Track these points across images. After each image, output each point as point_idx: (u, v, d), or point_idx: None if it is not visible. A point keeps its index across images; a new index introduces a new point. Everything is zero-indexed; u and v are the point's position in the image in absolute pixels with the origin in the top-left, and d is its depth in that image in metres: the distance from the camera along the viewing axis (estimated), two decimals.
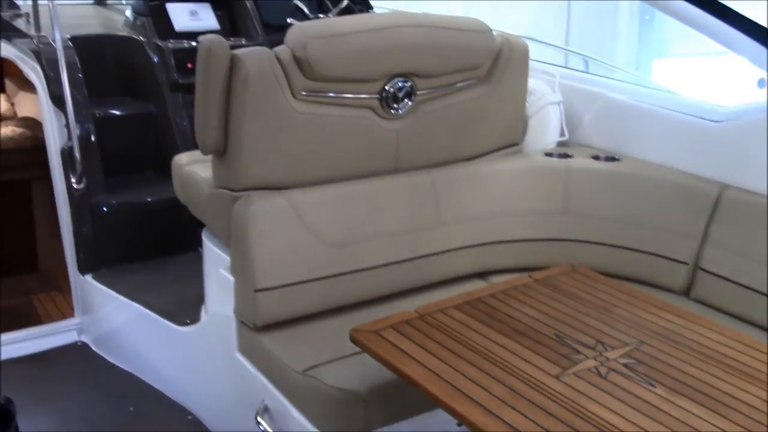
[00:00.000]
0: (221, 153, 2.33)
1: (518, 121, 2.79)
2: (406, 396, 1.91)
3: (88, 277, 3.32)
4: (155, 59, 3.62)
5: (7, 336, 3.26)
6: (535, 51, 2.77)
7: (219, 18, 3.84)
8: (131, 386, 3.09)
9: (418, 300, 2.34)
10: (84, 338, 3.42)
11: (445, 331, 1.84)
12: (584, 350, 1.76)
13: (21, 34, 3.58)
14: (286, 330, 2.31)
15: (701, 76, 6.38)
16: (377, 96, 2.38)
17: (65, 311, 3.54)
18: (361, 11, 4.00)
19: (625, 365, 1.70)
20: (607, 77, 3.15)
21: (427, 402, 1.64)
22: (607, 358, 1.72)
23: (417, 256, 2.50)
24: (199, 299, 2.72)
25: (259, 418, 2.27)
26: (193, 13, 3.79)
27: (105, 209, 3.35)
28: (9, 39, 3.52)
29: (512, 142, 2.79)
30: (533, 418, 1.50)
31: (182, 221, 3.10)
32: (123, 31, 3.84)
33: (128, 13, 3.89)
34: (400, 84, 2.39)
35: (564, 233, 2.66)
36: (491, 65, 2.58)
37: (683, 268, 2.48)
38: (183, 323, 2.84)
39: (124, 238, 3.40)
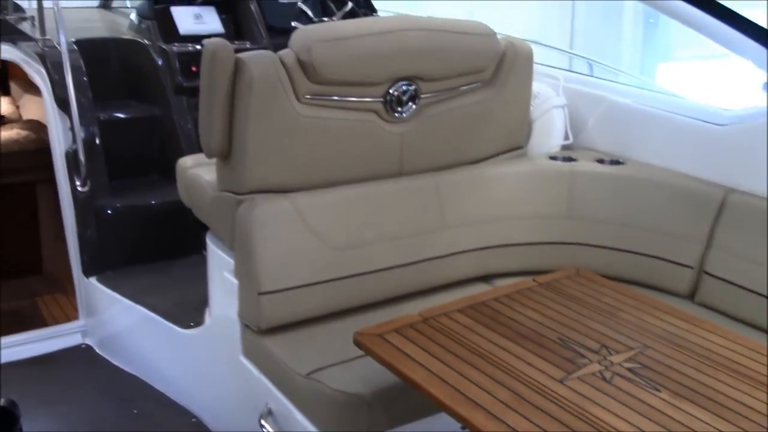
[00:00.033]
0: (225, 156, 2.33)
1: (522, 125, 2.79)
2: (409, 399, 1.91)
3: (93, 280, 3.32)
4: (160, 62, 3.63)
5: (11, 338, 3.26)
6: (539, 54, 2.77)
7: (223, 21, 3.84)
8: (135, 389, 3.09)
9: (422, 303, 2.33)
10: (88, 341, 3.42)
11: (448, 335, 1.84)
12: (588, 354, 1.75)
13: (26, 38, 3.59)
14: (290, 333, 2.31)
15: (706, 80, 6.37)
16: (381, 99, 2.38)
17: (69, 314, 3.55)
18: (365, 14, 4.01)
19: (630, 369, 1.69)
20: (612, 81, 3.15)
21: (430, 406, 1.64)
22: (612, 363, 1.72)
23: (421, 260, 2.50)
24: (203, 302, 2.72)
25: (262, 421, 2.27)
26: (198, 17, 3.80)
27: (109, 212, 3.36)
28: (14, 42, 3.53)
29: (516, 145, 2.79)
30: (537, 422, 1.50)
31: (186, 224, 3.10)
32: (128, 35, 3.85)
33: (133, 16, 3.90)
34: (404, 87, 2.39)
35: (568, 237, 2.65)
36: (495, 69, 2.58)
37: (688, 271, 2.47)
38: (187, 326, 2.85)
39: (128, 241, 3.40)
